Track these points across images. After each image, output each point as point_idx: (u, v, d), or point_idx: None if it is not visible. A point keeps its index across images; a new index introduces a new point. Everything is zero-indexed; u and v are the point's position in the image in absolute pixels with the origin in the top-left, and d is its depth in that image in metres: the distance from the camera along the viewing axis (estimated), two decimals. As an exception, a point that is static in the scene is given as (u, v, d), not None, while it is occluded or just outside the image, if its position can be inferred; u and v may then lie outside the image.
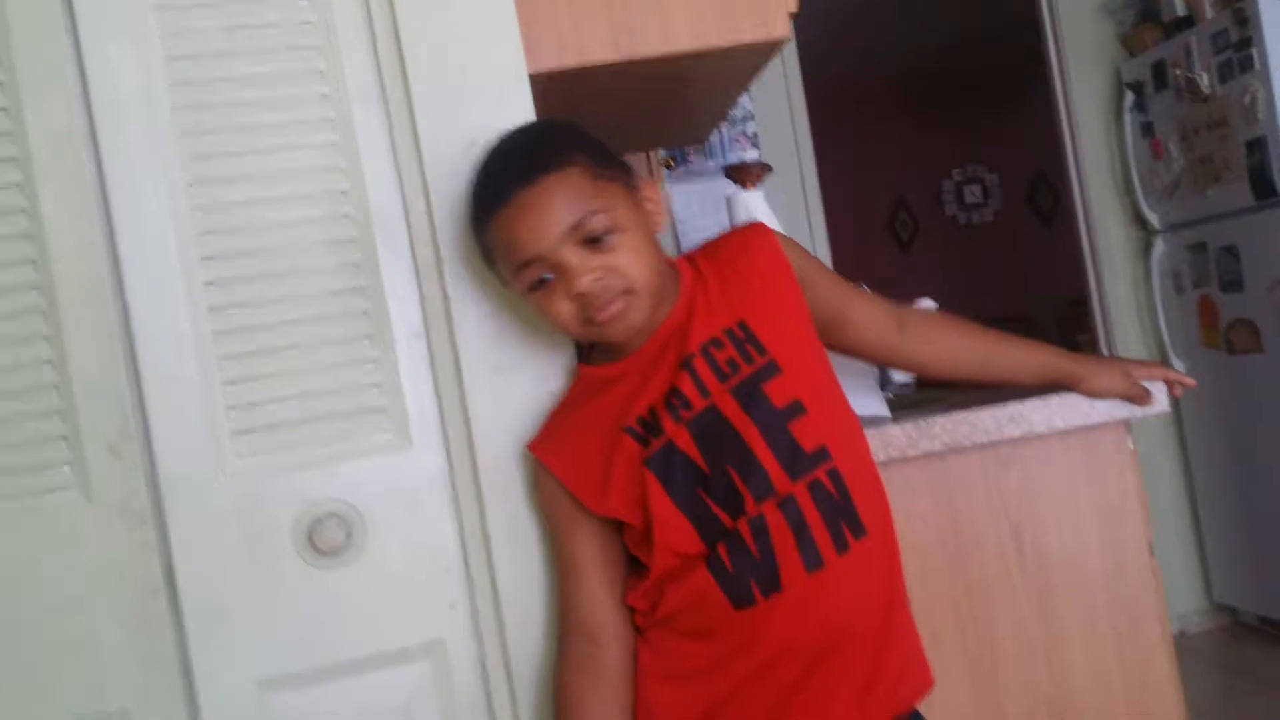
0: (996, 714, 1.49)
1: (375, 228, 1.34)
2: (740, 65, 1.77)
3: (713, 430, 1.24)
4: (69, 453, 1.27)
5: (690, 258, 1.34)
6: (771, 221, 1.76)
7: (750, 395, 1.24)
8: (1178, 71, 3.66)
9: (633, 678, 1.32)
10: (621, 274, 1.23)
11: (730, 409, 1.24)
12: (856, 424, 1.33)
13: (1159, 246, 3.87)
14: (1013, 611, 1.50)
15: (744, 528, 1.22)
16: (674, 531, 1.24)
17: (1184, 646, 3.47)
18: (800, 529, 1.22)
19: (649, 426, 1.26)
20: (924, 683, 1.30)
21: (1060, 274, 4.38)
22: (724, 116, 2.25)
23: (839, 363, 1.35)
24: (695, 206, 3.96)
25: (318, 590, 1.31)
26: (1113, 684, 1.52)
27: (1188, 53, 3.61)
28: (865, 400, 1.37)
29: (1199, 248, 3.69)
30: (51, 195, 1.27)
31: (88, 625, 1.27)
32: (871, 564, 1.25)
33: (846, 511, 1.24)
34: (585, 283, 1.22)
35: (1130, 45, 4.01)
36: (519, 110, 1.36)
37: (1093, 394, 1.49)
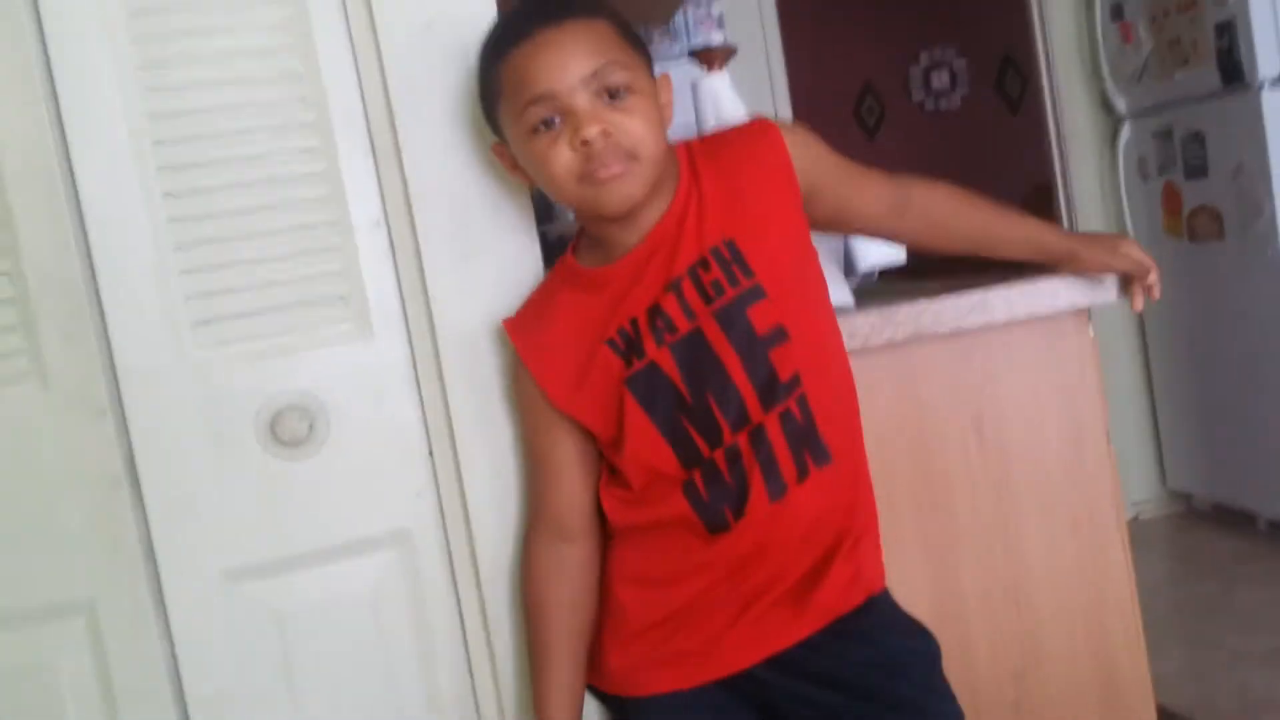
0: (954, 597, 1.51)
1: (331, 111, 1.31)
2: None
3: (696, 355, 1.23)
4: (24, 342, 1.25)
5: (690, 149, 1.30)
6: (737, 105, 1.73)
7: (732, 320, 1.23)
8: (1149, -47, 3.62)
9: (598, 575, 1.34)
10: (630, 135, 1.19)
11: (714, 334, 1.23)
12: (839, 343, 1.33)
13: (1125, 133, 3.86)
14: (972, 498, 1.52)
15: (719, 457, 1.23)
16: (651, 452, 1.24)
17: (1138, 532, 3.54)
18: (768, 460, 1.23)
19: (630, 343, 1.24)
20: (869, 586, 1.30)
21: (1027, 160, 4.36)
22: (689, -2, 2.20)
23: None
24: (660, 91, 3.92)
25: (282, 481, 1.31)
26: (1068, 568, 1.55)
27: (1160, -67, 3.56)
28: (830, 290, 1.36)
29: (1165, 134, 3.69)
30: (-3, 80, 1.23)
31: (51, 515, 1.27)
32: (830, 488, 1.26)
33: (811, 439, 1.24)
34: (593, 131, 1.18)
35: (1102, -75, 3.94)
36: (478, -9, 1.32)
37: (1088, 270, 1.49)
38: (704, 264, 1.24)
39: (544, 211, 2.17)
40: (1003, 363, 1.53)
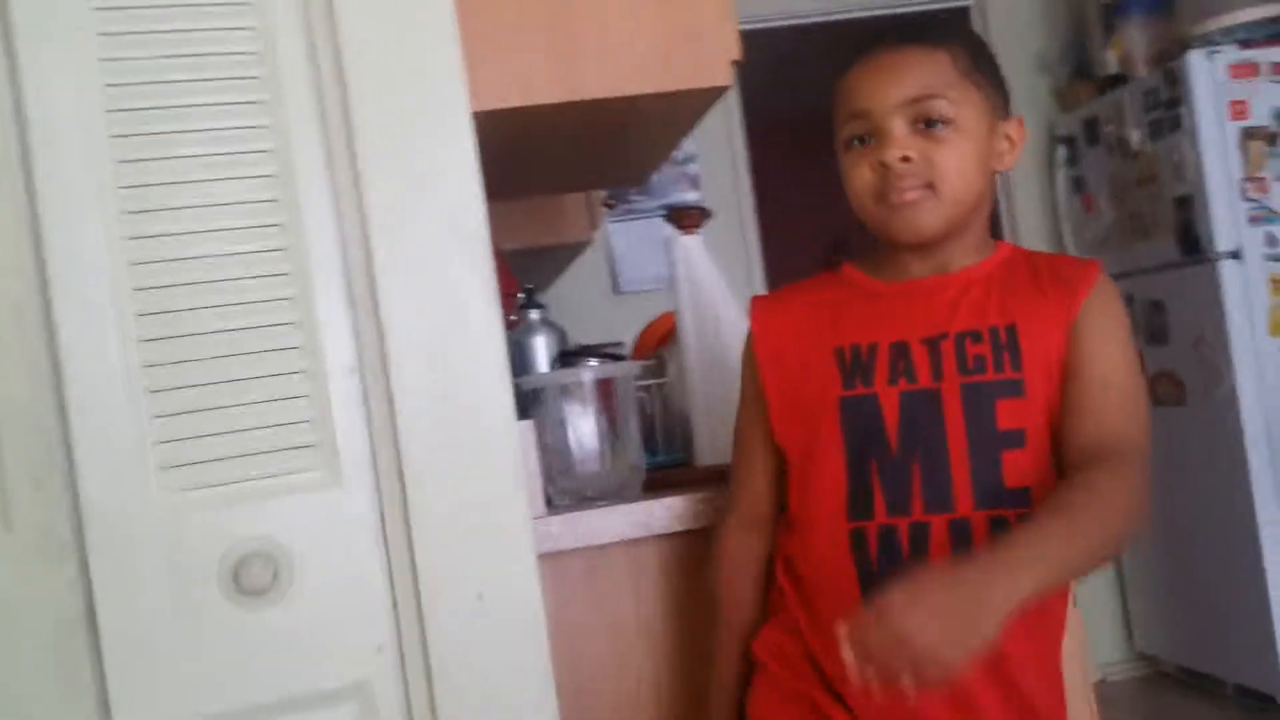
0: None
1: (310, 262, 1.33)
2: (683, 109, 1.79)
3: (922, 415, 1.19)
4: (-11, 482, 1.24)
5: (1014, 248, 1.30)
6: (709, 267, 1.76)
7: (978, 401, 1.18)
8: (1109, 128, 3.74)
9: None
10: (933, 166, 1.19)
11: (951, 404, 1.19)
12: None
13: (1088, 298, 3.94)
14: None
15: (904, 530, 1.17)
16: (823, 478, 1.20)
17: (1106, 694, 3.52)
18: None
19: (858, 364, 1.21)
20: None
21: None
22: (666, 159, 2.26)
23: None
24: (635, 246, 3.98)
25: (243, 629, 1.29)
26: (1036, 736, 1.53)
27: (1120, 110, 3.69)
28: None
29: (1126, 300, 3.76)
30: (-19, 219, 1.24)
31: (6, 657, 1.24)
32: (1010, 625, 1.19)
33: None
34: (894, 155, 1.19)
35: (1064, 101, 4.09)
36: (462, 146, 1.35)
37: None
38: (975, 335, 1.21)
39: (519, 365, 2.18)
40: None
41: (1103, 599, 3.99)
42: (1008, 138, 1.28)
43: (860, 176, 1.22)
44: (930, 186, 1.20)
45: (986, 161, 1.25)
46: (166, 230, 1.29)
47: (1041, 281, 1.25)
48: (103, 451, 1.26)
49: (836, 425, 1.21)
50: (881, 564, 1.18)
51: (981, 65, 1.26)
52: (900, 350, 1.22)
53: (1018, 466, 1.19)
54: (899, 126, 1.20)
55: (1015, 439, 1.19)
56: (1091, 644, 1.99)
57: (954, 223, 1.23)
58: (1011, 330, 1.21)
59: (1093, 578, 3.92)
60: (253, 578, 1.29)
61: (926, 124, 1.21)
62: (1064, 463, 1.22)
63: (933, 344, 1.22)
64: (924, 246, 1.24)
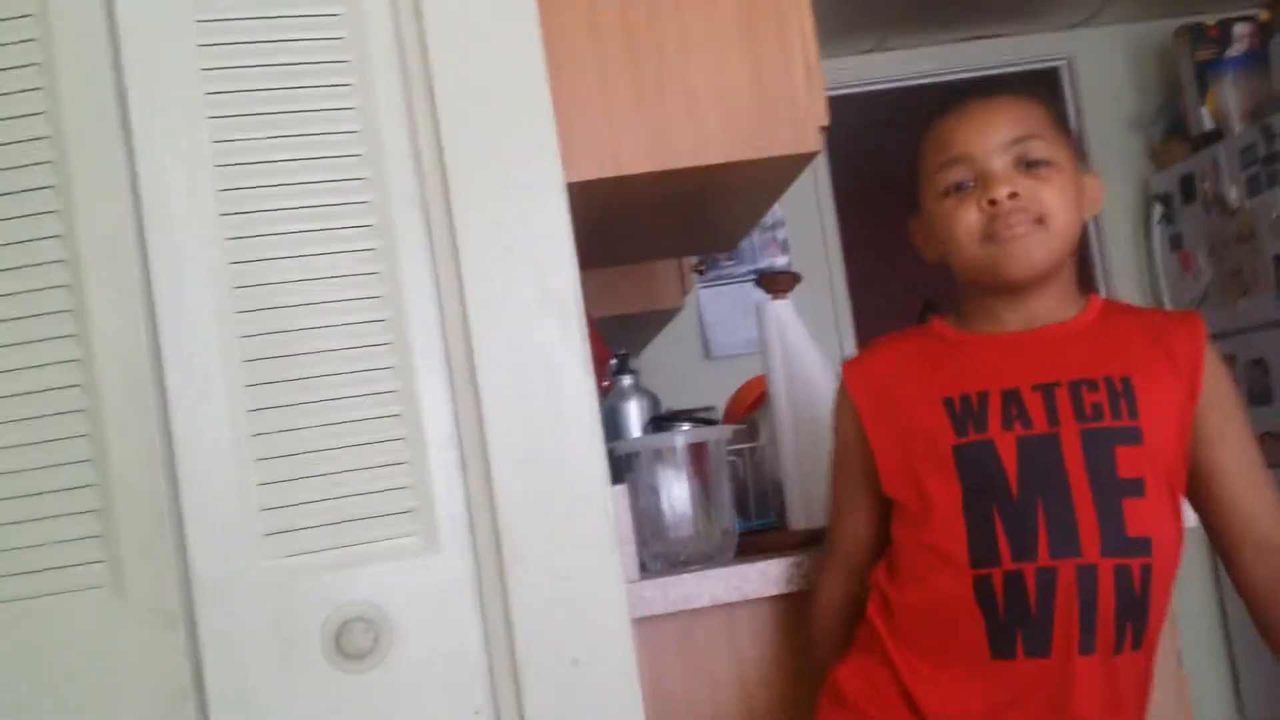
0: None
1: (410, 332, 1.36)
2: (772, 176, 1.81)
3: (1043, 459, 1.18)
4: (103, 552, 1.28)
5: (1102, 299, 1.31)
6: (800, 331, 1.77)
7: (1098, 447, 1.18)
8: (1206, 185, 3.69)
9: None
10: (1041, 202, 1.21)
11: (1071, 448, 1.18)
12: (1181, 539, 1.26)
13: (1188, 358, 3.86)
14: None
15: (1030, 575, 1.16)
16: (941, 527, 1.20)
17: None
18: (1089, 606, 1.15)
19: (969, 412, 1.21)
20: None
21: (1089, 383, 4.38)
22: (755, 224, 2.28)
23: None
24: (726, 310, 3.99)
25: (344, 694, 1.31)
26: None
27: (1216, 166, 3.64)
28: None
29: (1227, 360, 3.69)
30: (98, 297, 1.29)
31: (115, 721, 1.27)
32: (1131, 681, 1.18)
33: (1139, 615, 1.17)
34: (1002, 192, 1.20)
35: (1158, 159, 4.05)
36: (555, 218, 1.38)
37: None
38: (1091, 384, 1.21)
39: (613, 431, 2.20)
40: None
41: (1210, 661, 3.87)
42: (1090, 189, 1.30)
43: (964, 219, 1.22)
44: (1040, 221, 1.22)
45: (1079, 207, 1.26)
46: (272, 303, 1.33)
47: (1151, 335, 1.26)
48: (211, 520, 1.30)
49: (953, 473, 1.20)
50: (1009, 611, 1.17)
51: (1062, 123, 1.29)
52: (1012, 396, 1.21)
53: (1139, 515, 1.18)
54: (1003, 167, 1.22)
55: (1135, 487, 1.19)
56: (1199, 707, 1.94)
57: (1057, 261, 1.24)
58: (1127, 381, 1.21)
59: (1198, 638, 3.80)
60: (354, 642, 1.31)
61: (1029, 165, 1.22)
62: (1246, 542, 1.27)
63: (1046, 390, 1.21)
64: (1024, 289, 1.24)
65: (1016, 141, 1.22)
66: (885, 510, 1.31)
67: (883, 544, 1.32)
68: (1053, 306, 1.26)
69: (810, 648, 1.40)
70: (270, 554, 1.31)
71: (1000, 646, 1.18)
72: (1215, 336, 3.72)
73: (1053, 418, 1.20)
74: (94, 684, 1.27)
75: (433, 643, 1.34)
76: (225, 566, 1.30)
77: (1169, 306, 3.89)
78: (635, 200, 1.82)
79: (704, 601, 1.56)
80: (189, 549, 1.29)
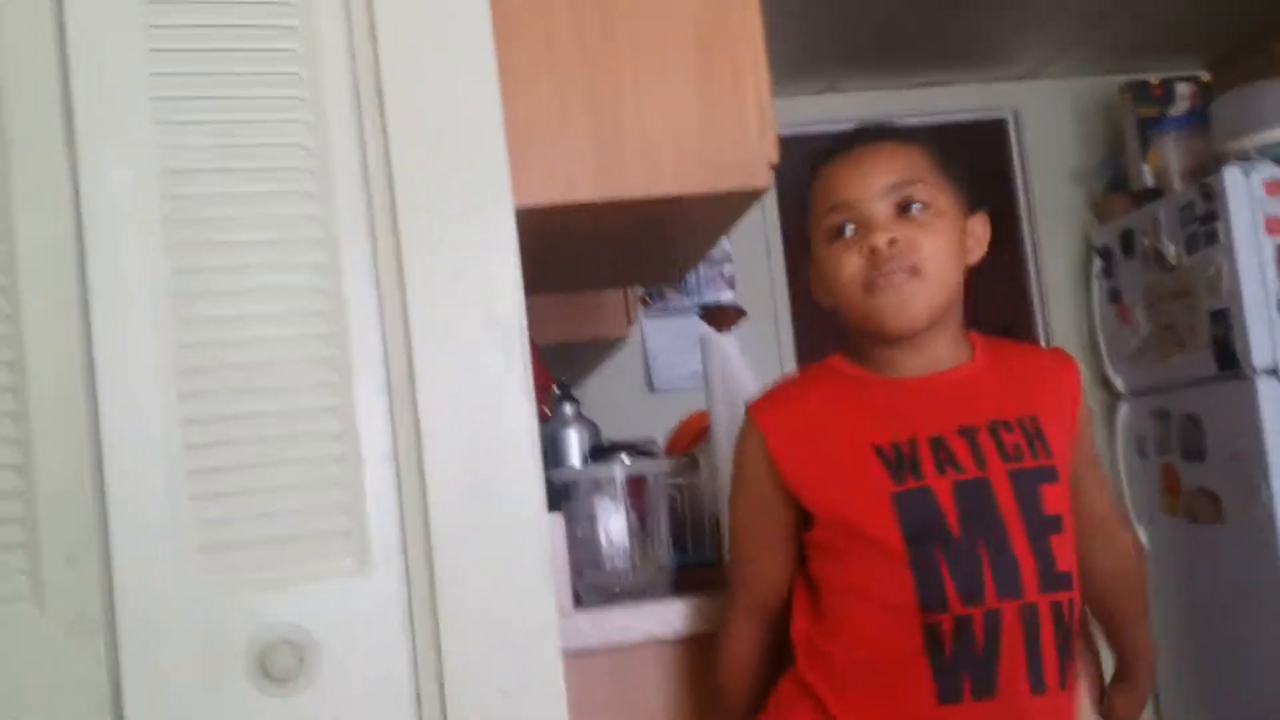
0: None
1: (351, 349, 1.34)
2: (721, 210, 1.82)
3: (977, 503, 1.20)
4: (26, 562, 1.25)
5: (979, 336, 1.34)
6: (743, 366, 1.77)
7: (1027, 488, 1.22)
8: (1146, 241, 3.76)
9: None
10: (917, 251, 1.22)
11: (1003, 490, 1.21)
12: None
13: (1124, 411, 3.92)
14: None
15: (979, 619, 1.17)
16: (882, 574, 1.20)
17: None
18: (1033, 643, 1.18)
19: (902, 460, 1.22)
20: None
21: (1025, 431, 4.44)
22: (703, 258, 2.29)
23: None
24: (670, 343, 3.99)
25: (266, 717, 1.28)
26: None
27: (1156, 223, 3.70)
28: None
29: (1163, 415, 3.74)
30: (34, 301, 1.27)
31: (28, 738, 1.24)
32: (1070, 712, 1.22)
33: (1068, 649, 1.20)
34: (881, 239, 1.21)
35: (1100, 212, 4.11)
36: (502, 241, 1.37)
37: (1124, 699, 1.43)
38: (1007, 426, 1.24)
39: (552, 459, 2.19)
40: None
41: (1137, 718, 3.90)
42: (974, 235, 1.32)
43: (848, 266, 1.24)
44: (914, 270, 1.23)
45: (961, 251, 1.28)
46: (211, 314, 1.31)
47: (1041, 375, 1.33)
48: (138, 531, 1.27)
49: (892, 520, 1.20)
50: (956, 655, 1.18)
51: (949, 165, 1.31)
52: (939, 443, 1.23)
53: (1063, 550, 1.22)
54: (882, 213, 1.24)
55: (1057, 524, 1.23)
56: None
57: (937, 311, 1.26)
58: (1034, 420, 1.26)
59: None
60: (280, 664, 1.28)
61: (907, 209, 1.24)
62: (1094, 536, 1.34)
63: (969, 434, 1.24)
64: (909, 339, 1.25)
65: (896, 187, 1.24)
66: (798, 554, 1.31)
67: (786, 582, 1.32)
68: (950, 348, 1.29)
69: (723, 696, 1.38)
70: (199, 568, 1.29)
71: (947, 692, 1.19)
72: (1150, 391, 3.80)
73: (980, 461, 1.23)
74: (5, 695, 1.23)
75: (361, 667, 1.32)
76: (151, 579, 1.27)
77: (1107, 359, 3.94)
78: (584, 228, 1.82)
79: (638, 636, 1.55)
80: (114, 559, 1.26)
